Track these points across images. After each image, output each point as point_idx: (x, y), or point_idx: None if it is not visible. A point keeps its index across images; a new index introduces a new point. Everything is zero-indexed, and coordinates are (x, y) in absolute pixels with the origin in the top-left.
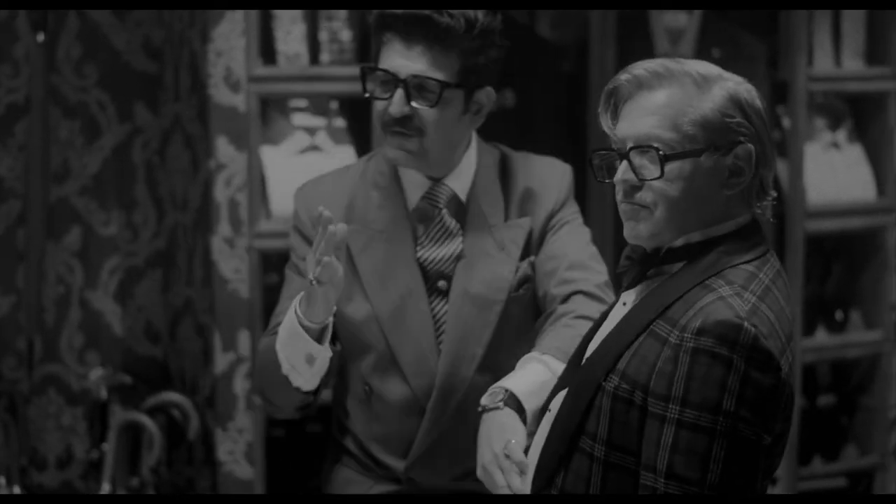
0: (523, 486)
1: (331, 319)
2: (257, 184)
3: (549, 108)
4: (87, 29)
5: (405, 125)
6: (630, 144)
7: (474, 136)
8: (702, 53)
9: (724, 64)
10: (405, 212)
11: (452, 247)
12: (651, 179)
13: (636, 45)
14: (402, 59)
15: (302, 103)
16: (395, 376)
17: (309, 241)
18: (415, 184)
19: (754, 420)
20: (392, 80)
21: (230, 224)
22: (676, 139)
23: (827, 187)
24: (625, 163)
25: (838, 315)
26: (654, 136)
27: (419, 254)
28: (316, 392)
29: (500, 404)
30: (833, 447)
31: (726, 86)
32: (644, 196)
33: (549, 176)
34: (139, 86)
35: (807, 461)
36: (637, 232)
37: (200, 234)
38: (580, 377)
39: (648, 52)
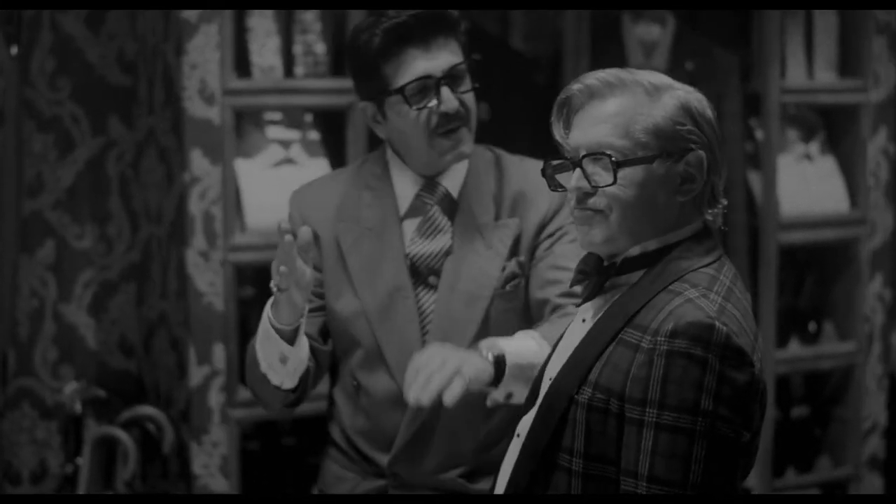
0: (428, 392)
1: (301, 321)
2: (232, 197)
3: (524, 120)
4: (61, 42)
5: (456, 118)
6: (583, 152)
7: None
8: (675, 66)
9: (698, 76)
10: (395, 210)
11: (442, 242)
12: (604, 186)
13: (610, 57)
14: (427, 61)
15: (276, 116)
16: (381, 371)
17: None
18: (406, 184)
19: (733, 418)
20: (428, 83)
21: (205, 237)
22: (628, 146)
23: (800, 199)
24: (578, 171)
25: (811, 326)
26: (607, 144)
27: (409, 249)
28: (297, 389)
29: (489, 356)
30: (807, 459)
31: (677, 94)
32: (597, 201)
33: (542, 180)
34: (113, 99)
35: (780, 473)
36: (591, 237)
37: (175, 247)
38: (550, 393)
39: (622, 65)
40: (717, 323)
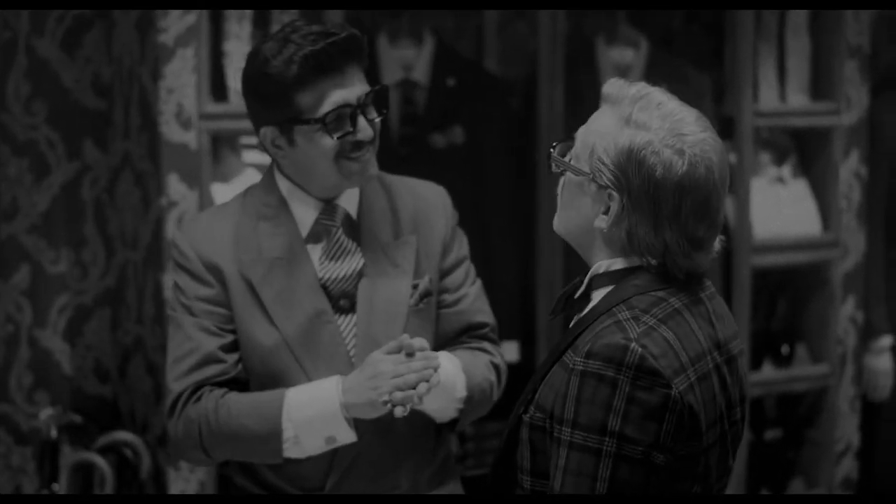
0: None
1: None
2: None
3: (498, 144)
4: (36, 66)
5: (371, 143)
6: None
7: None
8: None
9: None
10: (299, 236)
11: (353, 264)
12: (555, 171)
13: (584, 80)
14: (343, 89)
15: (252, 140)
16: None
17: (203, 281)
18: (305, 209)
19: (641, 439)
20: (344, 112)
21: None
22: (580, 154)
23: (772, 222)
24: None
25: (784, 349)
26: (575, 140)
27: (321, 274)
28: None
29: None
30: (780, 481)
31: (636, 136)
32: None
33: (433, 195)
34: (88, 123)
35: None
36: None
37: (151, 271)
38: (512, 413)
39: (596, 89)
40: (632, 344)
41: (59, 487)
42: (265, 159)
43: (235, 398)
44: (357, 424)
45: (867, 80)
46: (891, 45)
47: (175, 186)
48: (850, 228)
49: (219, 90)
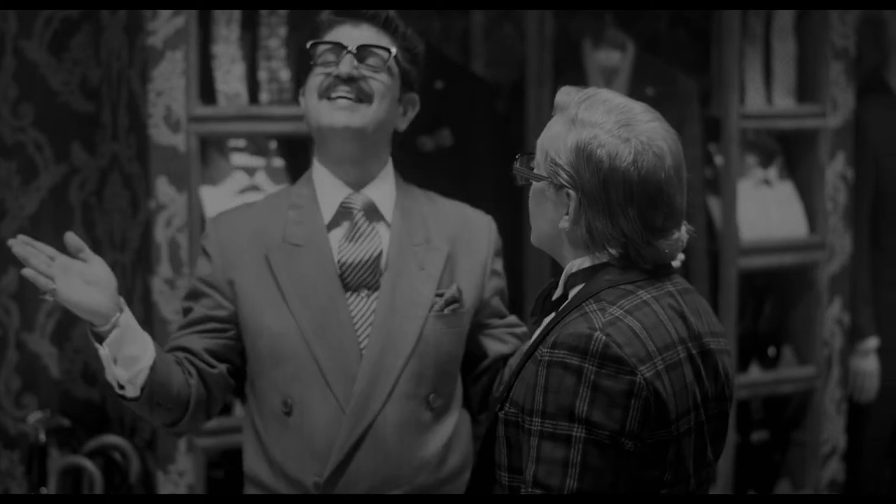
0: None
1: (117, 318)
2: (198, 224)
3: (485, 146)
4: (24, 69)
5: (353, 87)
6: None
7: (390, 163)
8: (636, 92)
9: (658, 102)
10: (321, 222)
11: (370, 247)
12: (520, 184)
13: (571, 83)
14: (351, 32)
15: (241, 143)
16: (317, 385)
17: (207, 256)
18: (331, 194)
19: (607, 424)
20: (340, 49)
21: (170, 265)
22: (539, 161)
23: (759, 224)
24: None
25: (771, 351)
26: (535, 149)
27: (338, 256)
28: (142, 397)
29: None
30: (766, 483)
31: (584, 134)
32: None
33: (479, 220)
34: (76, 126)
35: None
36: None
37: (140, 274)
38: (488, 413)
39: None
40: (596, 333)
41: (48, 491)
42: (254, 162)
43: None
44: (362, 413)
45: (853, 83)
46: (875, 48)
47: (164, 189)
48: (837, 230)
49: (207, 93)
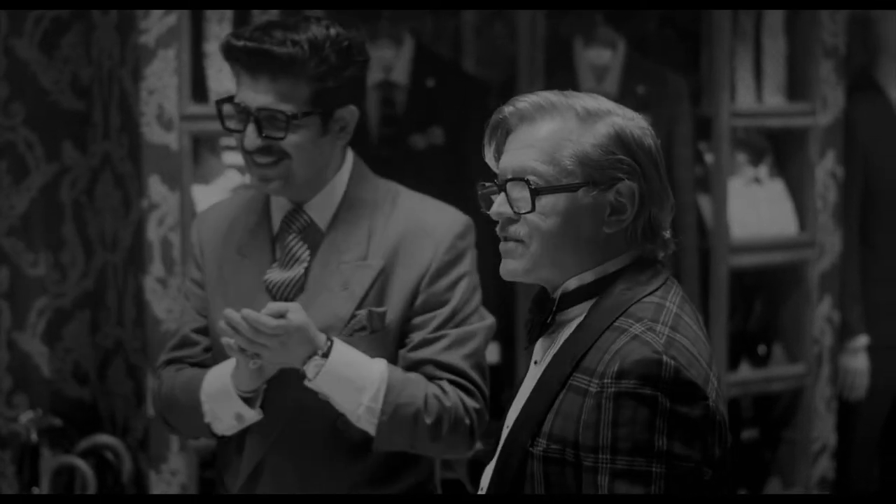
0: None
1: (262, 386)
2: (190, 223)
3: (477, 145)
4: (15, 68)
5: (265, 154)
6: (508, 176)
7: (349, 165)
8: (626, 90)
9: (648, 100)
10: (269, 237)
11: (295, 272)
12: (525, 213)
13: (561, 82)
14: (251, 91)
15: (232, 142)
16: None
17: (196, 263)
18: (280, 208)
19: (690, 455)
20: (244, 113)
21: (163, 264)
22: (552, 173)
23: (749, 222)
24: (502, 195)
25: (761, 349)
26: (531, 169)
27: (266, 277)
28: None
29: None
30: (756, 481)
31: (612, 121)
32: (518, 230)
33: (434, 224)
34: (67, 124)
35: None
36: (509, 268)
37: (132, 274)
38: (505, 446)
39: (574, 90)
40: (664, 357)
41: (40, 491)
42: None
43: (183, 373)
44: (268, 431)
45: (843, 81)
46: (864, 46)
47: (156, 188)
48: (826, 228)
49: (200, 91)
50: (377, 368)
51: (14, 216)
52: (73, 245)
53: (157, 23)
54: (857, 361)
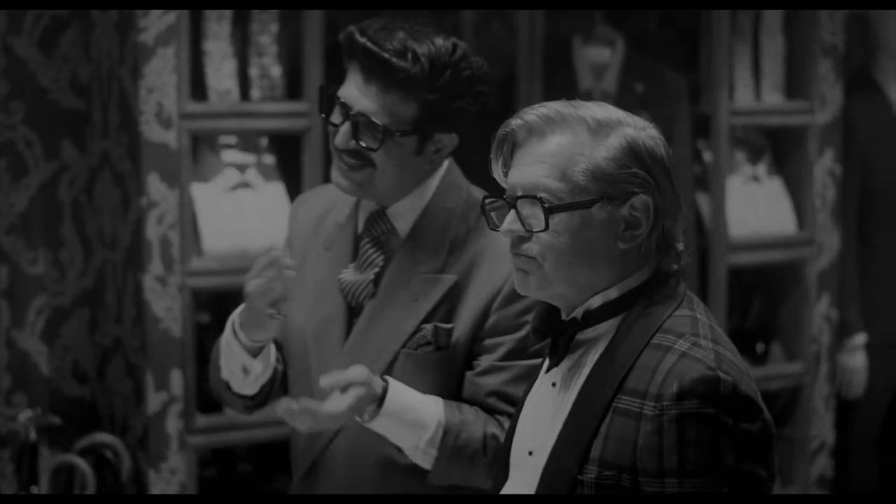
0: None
1: (270, 337)
2: (189, 221)
3: (476, 146)
4: (14, 66)
5: (353, 157)
6: (518, 193)
7: (441, 172)
8: (625, 88)
9: (647, 99)
10: (354, 234)
11: (365, 276)
12: (537, 231)
13: (561, 80)
14: (357, 91)
15: (231, 140)
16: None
17: (288, 243)
18: (366, 208)
19: (757, 470)
20: (344, 110)
21: (162, 262)
22: (565, 189)
23: (748, 221)
24: (512, 212)
25: (759, 347)
26: (542, 186)
27: (340, 276)
28: (258, 396)
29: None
30: None
31: (624, 133)
32: (531, 247)
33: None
34: (66, 123)
35: None
36: (525, 283)
37: (131, 272)
38: (549, 474)
39: (573, 88)
40: (720, 374)
41: (39, 490)
42: (244, 159)
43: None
44: (323, 462)
45: (841, 79)
46: (862, 45)
47: (155, 186)
48: (825, 227)
49: (199, 90)
50: (433, 411)
51: (13, 214)
52: (72, 243)
53: (156, 21)
54: (856, 360)
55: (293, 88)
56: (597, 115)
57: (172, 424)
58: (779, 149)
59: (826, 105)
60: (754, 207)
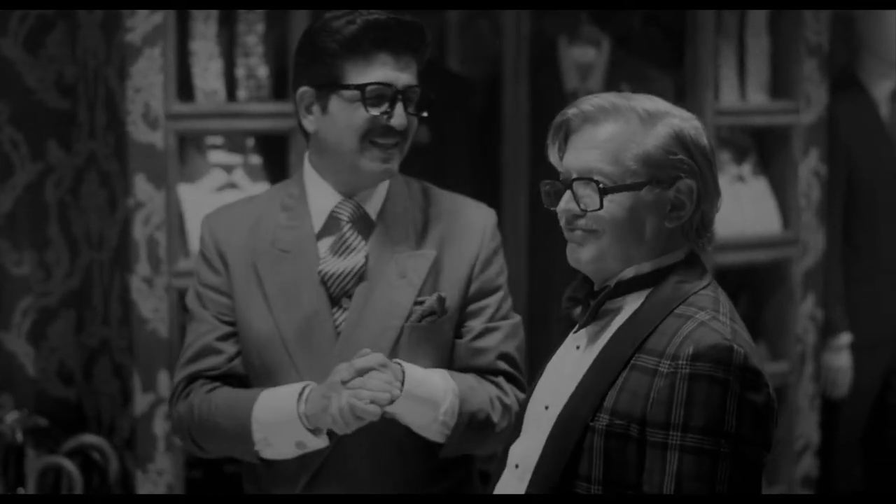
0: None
1: None
2: (176, 222)
3: (462, 143)
4: (0, 66)
5: (394, 135)
6: (574, 175)
7: None
8: (610, 88)
9: None
10: (310, 229)
11: (354, 261)
12: (591, 210)
13: (547, 80)
14: (394, 70)
15: (218, 140)
16: None
17: (213, 268)
18: (322, 201)
19: (754, 439)
20: (392, 93)
21: (149, 263)
22: (617, 173)
23: (733, 220)
24: (568, 192)
25: None
26: (596, 169)
27: (321, 267)
28: None
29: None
30: None
31: (671, 123)
32: (587, 223)
33: (475, 215)
34: (52, 123)
35: None
36: (578, 255)
37: (118, 273)
38: (562, 422)
39: (559, 88)
40: (734, 345)
41: (26, 492)
42: (231, 159)
43: (219, 395)
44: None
45: (826, 79)
46: (846, 44)
47: (142, 187)
48: (810, 227)
49: (185, 90)
50: (443, 383)
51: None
52: (58, 244)
53: (142, 21)
54: (841, 359)
55: (280, 89)
56: (646, 106)
57: (159, 426)
58: (764, 149)
59: (811, 105)
60: (739, 207)
